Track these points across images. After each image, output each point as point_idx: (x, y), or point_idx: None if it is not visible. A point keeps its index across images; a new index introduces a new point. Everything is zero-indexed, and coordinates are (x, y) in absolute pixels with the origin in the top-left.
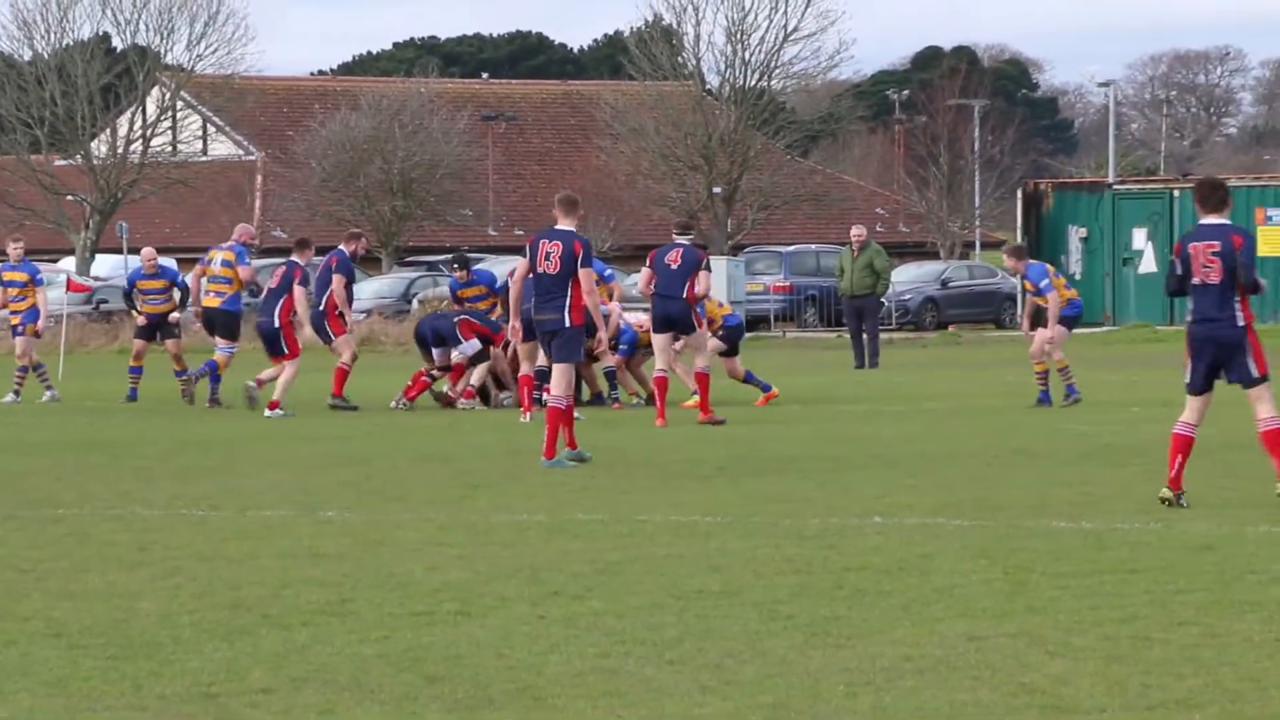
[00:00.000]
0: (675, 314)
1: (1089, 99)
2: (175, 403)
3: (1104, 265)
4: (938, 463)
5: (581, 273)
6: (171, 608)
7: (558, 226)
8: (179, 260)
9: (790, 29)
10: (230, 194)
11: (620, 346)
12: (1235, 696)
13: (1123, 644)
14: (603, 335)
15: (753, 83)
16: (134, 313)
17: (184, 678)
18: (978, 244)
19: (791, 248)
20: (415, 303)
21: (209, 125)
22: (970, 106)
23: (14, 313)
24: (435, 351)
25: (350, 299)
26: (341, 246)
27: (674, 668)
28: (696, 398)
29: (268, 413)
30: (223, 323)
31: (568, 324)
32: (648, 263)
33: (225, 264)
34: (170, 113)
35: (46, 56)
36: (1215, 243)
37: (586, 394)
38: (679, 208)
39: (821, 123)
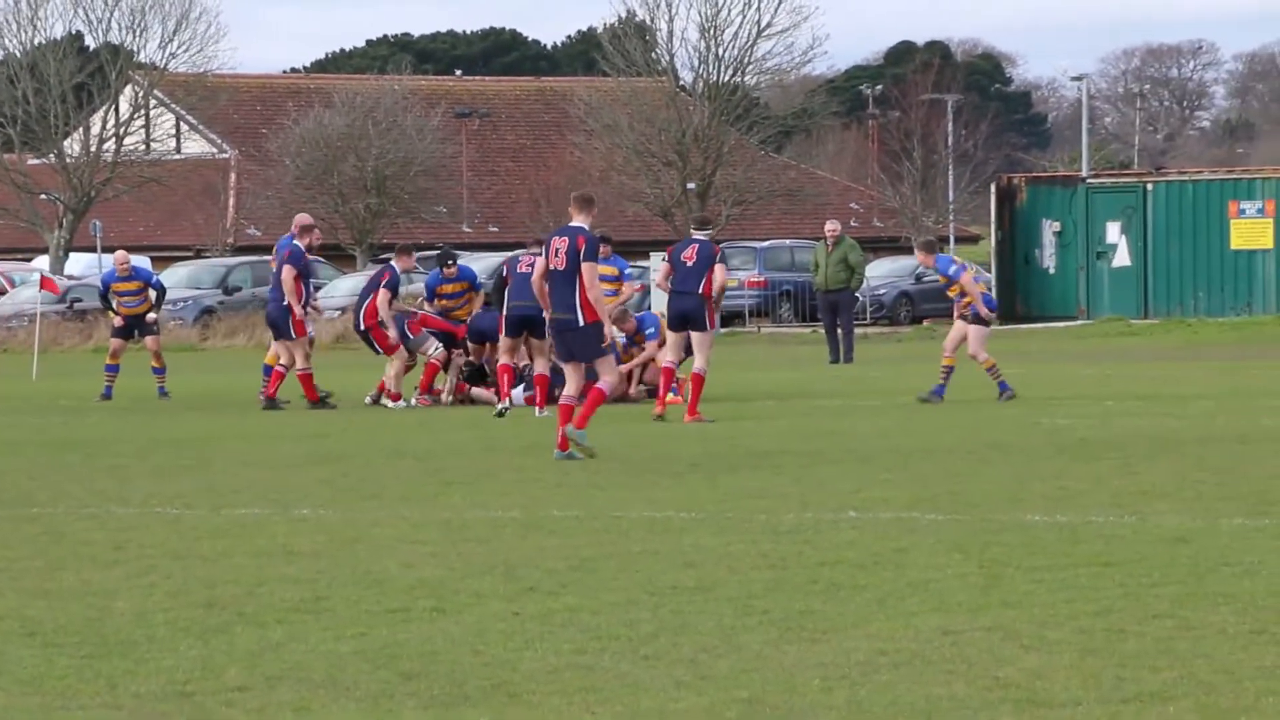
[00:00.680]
0: (690, 310)
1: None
2: (151, 401)
3: (1078, 259)
4: (912, 457)
5: (584, 266)
6: (146, 606)
7: (571, 223)
8: (153, 259)
9: (764, 24)
10: (204, 192)
11: (649, 330)
12: (1210, 688)
13: (1097, 637)
14: (608, 329)
15: (726, 78)
16: (110, 313)
17: (159, 676)
18: (952, 239)
19: (766, 243)
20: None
21: (182, 123)
22: (944, 101)
23: None
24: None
25: (305, 294)
26: (295, 240)
27: (649, 663)
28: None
29: (389, 404)
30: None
31: (580, 323)
32: (665, 257)
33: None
34: (143, 111)
35: (19, 55)
36: None
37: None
38: (653, 204)
39: (795, 118)
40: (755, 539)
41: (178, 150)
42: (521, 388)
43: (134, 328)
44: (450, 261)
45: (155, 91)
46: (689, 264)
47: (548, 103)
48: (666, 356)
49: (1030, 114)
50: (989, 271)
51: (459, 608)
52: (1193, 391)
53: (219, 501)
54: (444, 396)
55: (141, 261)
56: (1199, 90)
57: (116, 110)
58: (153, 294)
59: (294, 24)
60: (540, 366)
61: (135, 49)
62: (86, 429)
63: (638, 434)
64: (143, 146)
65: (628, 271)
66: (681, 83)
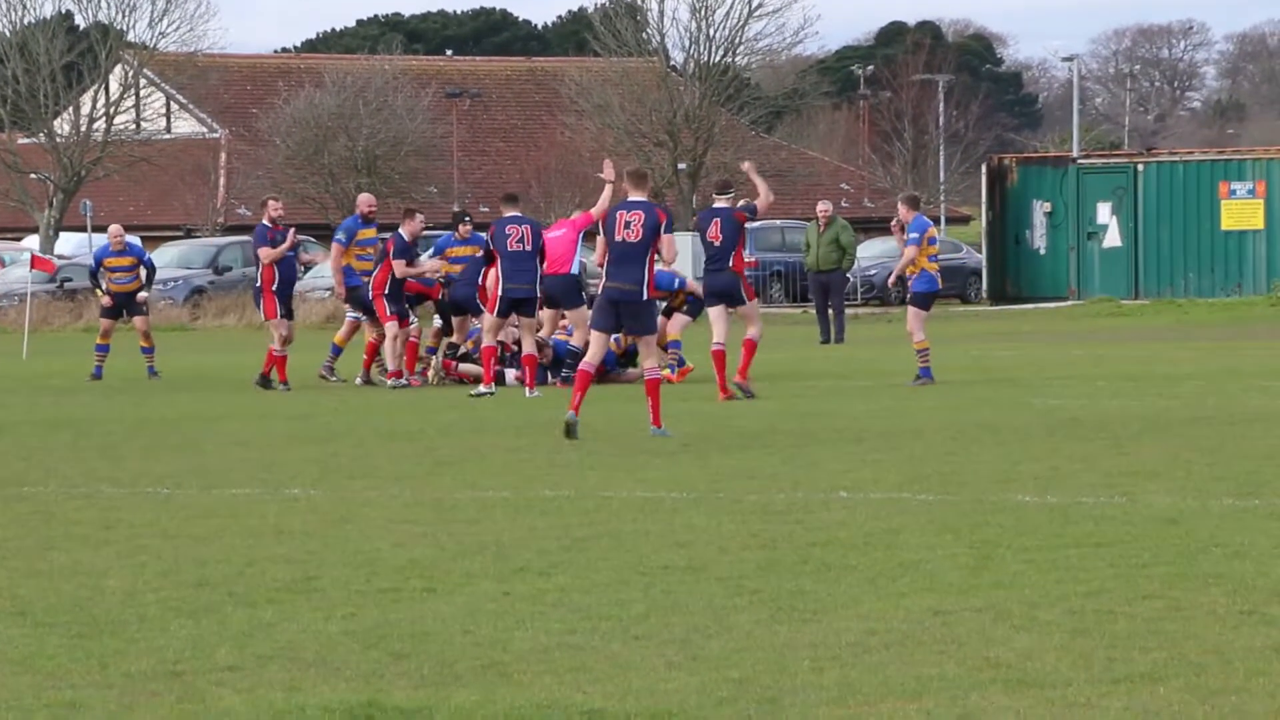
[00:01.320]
0: (727, 286)
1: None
2: (141, 380)
3: (1069, 239)
4: (903, 438)
5: (664, 239)
6: (137, 585)
7: (631, 198)
8: (143, 239)
9: (755, 5)
10: (194, 172)
11: (688, 300)
12: (1200, 669)
13: (1088, 618)
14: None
15: (717, 59)
16: (98, 292)
17: (150, 655)
18: (943, 219)
19: (757, 223)
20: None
21: (172, 103)
22: (935, 82)
23: None
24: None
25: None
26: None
27: (640, 643)
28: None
29: (389, 382)
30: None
31: (644, 297)
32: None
33: (361, 243)
34: (133, 90)
35: (8, 35)
36: None
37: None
38: None
39: (786, 99)
40: (746, 519)
41: (168, 130)
42: (513, 372)
43: (123, 307)
44: (465, 219)
45: (145, 71)
46: (715, 244)
47: (538, 83)
48: (715, 338)
49: (1021, 94)
50: (979, 252)
51: (450, 588)
52: (1183, 372)
53: (210, 481)
54: (430, 376)
55: (134, 240)
56: (1190, 71)
57: (106, 90)
58: (144, 272)
59: (284, 3)
60: (529, 346)
61: (125, 28)
62: (77, 409)
63: (629, 415)
64: (133, 126)
65: (676, 283)
66: (672, 63)
